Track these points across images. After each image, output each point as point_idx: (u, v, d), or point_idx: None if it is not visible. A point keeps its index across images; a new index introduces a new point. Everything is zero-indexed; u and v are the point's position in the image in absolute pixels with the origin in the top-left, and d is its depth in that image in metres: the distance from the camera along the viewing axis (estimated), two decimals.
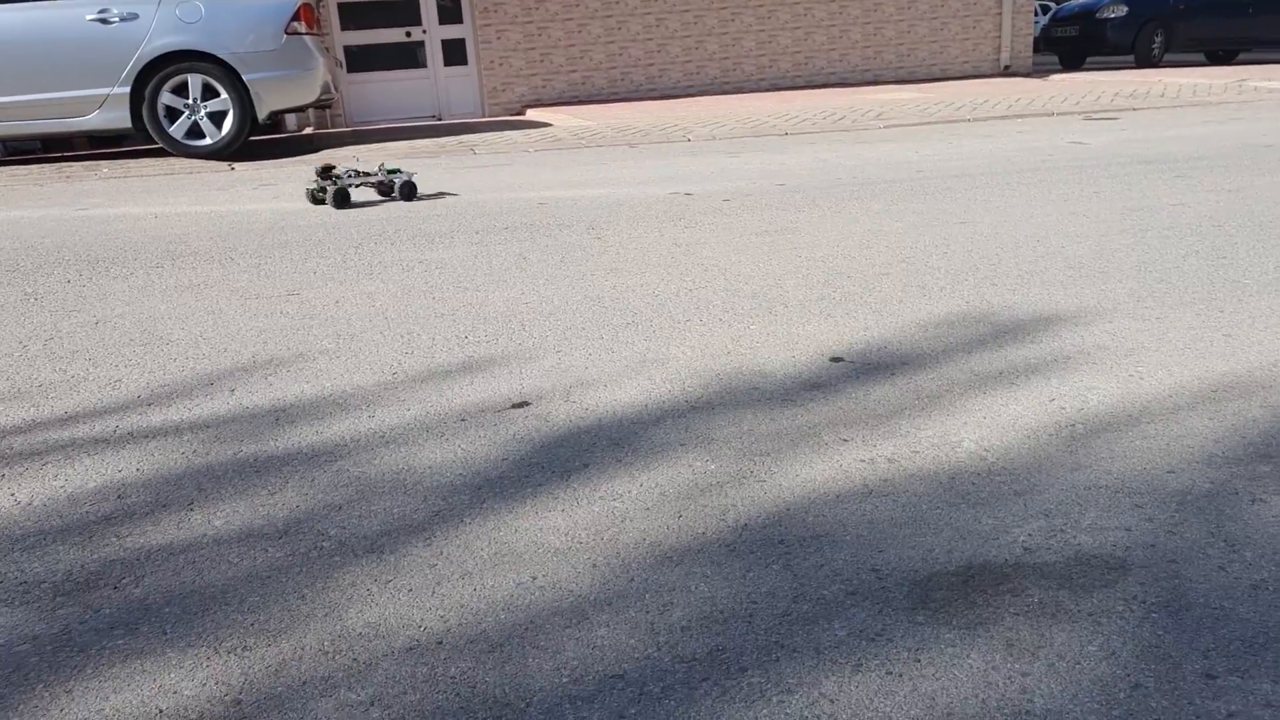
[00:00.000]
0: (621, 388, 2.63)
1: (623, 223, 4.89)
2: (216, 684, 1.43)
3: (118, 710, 1.38)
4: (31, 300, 3.87)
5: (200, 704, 1.39)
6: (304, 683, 1.43)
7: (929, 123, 8.68)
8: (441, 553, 1.80)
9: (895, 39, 13.46)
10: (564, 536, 1.84)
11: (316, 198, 5.58)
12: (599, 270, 3.98)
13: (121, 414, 2.61)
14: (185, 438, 2.44)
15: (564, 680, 1.42)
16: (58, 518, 2.00)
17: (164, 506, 2.04)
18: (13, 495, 2.12)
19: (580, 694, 1.39)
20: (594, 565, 1.73)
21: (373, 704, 1.38)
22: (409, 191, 5.60)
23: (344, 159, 5.76)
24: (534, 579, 1.70)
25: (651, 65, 12.77)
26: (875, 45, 13.42)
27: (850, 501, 1.93)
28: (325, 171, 5.59)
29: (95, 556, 1.83)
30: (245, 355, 3.19)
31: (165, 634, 1.57)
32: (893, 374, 2.64)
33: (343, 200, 5.51)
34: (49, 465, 2.27)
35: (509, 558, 1.77)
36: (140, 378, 2.94)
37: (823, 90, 12.55)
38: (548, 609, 1.60)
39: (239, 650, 1.51)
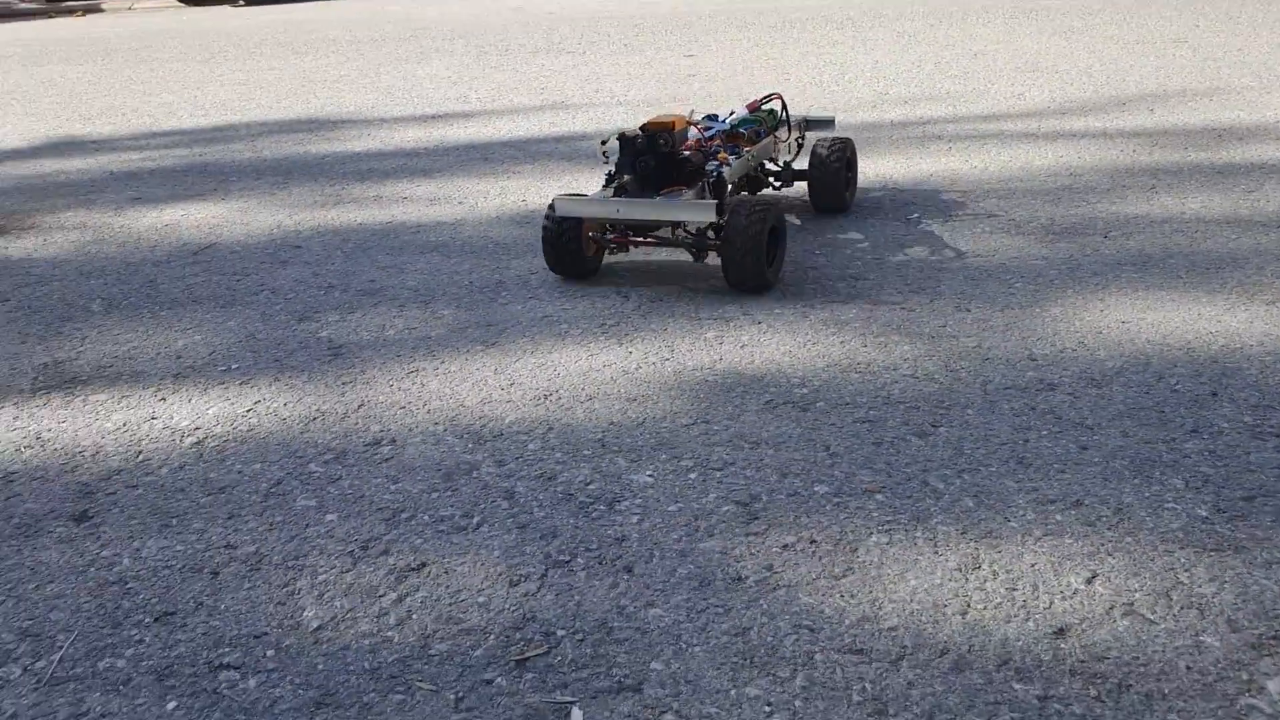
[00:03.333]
0: None
1: None
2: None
3: (1161, 322, 1.34)
4: (906, 39, 4.10)
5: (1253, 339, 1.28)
6: None
7: None
8: None
9: None
10: None
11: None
12: None
13: (1036, 119, 2.61)
14: (1115, 141, 2.33)
15: None
16: (1027, 181, 2.05)
17: (1123, 187, 1.96)
18: (967, 161, 2.23)
19: None
20: None
21: None
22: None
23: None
24: None
25: None
26: None
27: None
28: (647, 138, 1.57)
29: (1072, 212, 1.83)
30: (1149, 85, 2.96)
31: (1179, 278, 1.49)
32: None
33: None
34: (972, 150, 2.35)
35: None
36: (1039, 94, 2.91)
37: None
38: None
39: None
